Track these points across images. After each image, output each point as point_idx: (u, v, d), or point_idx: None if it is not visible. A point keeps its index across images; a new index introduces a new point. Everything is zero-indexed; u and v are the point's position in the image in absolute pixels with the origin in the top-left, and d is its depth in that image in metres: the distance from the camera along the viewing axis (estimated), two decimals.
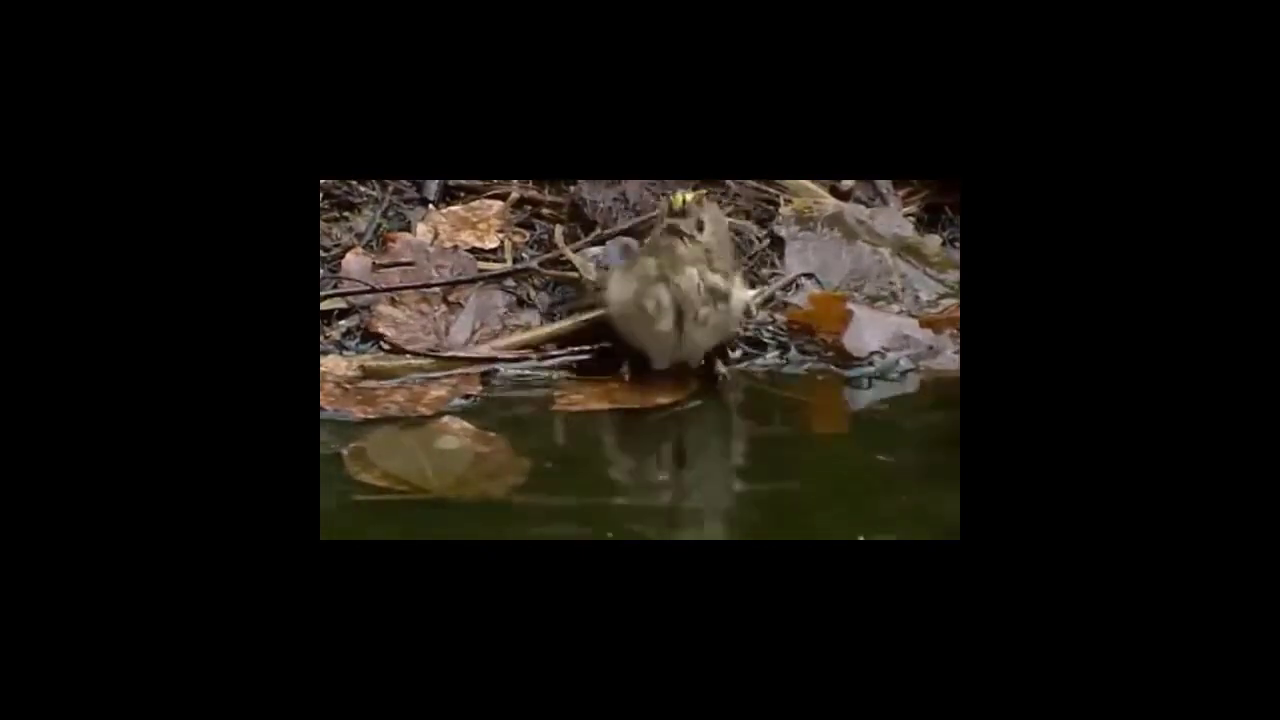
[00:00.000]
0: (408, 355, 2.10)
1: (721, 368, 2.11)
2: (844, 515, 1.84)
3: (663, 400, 2.05)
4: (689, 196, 2.06)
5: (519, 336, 2.16)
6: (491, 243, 2.28)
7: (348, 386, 2.05)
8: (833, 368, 2.15)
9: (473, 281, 2.22)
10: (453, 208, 2.34)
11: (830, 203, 2.35)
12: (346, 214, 2.30)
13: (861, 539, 1.73)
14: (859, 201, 2.37)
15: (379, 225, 2.30)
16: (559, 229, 2.29)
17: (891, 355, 2.15)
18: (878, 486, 1.93)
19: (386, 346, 2.12)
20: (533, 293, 2.23)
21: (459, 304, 2.20)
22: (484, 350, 2.14)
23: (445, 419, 2.00)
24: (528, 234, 2.32)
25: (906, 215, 2.36)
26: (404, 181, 2.35)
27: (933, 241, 2.33)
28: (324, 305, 2.15)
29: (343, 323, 2.17)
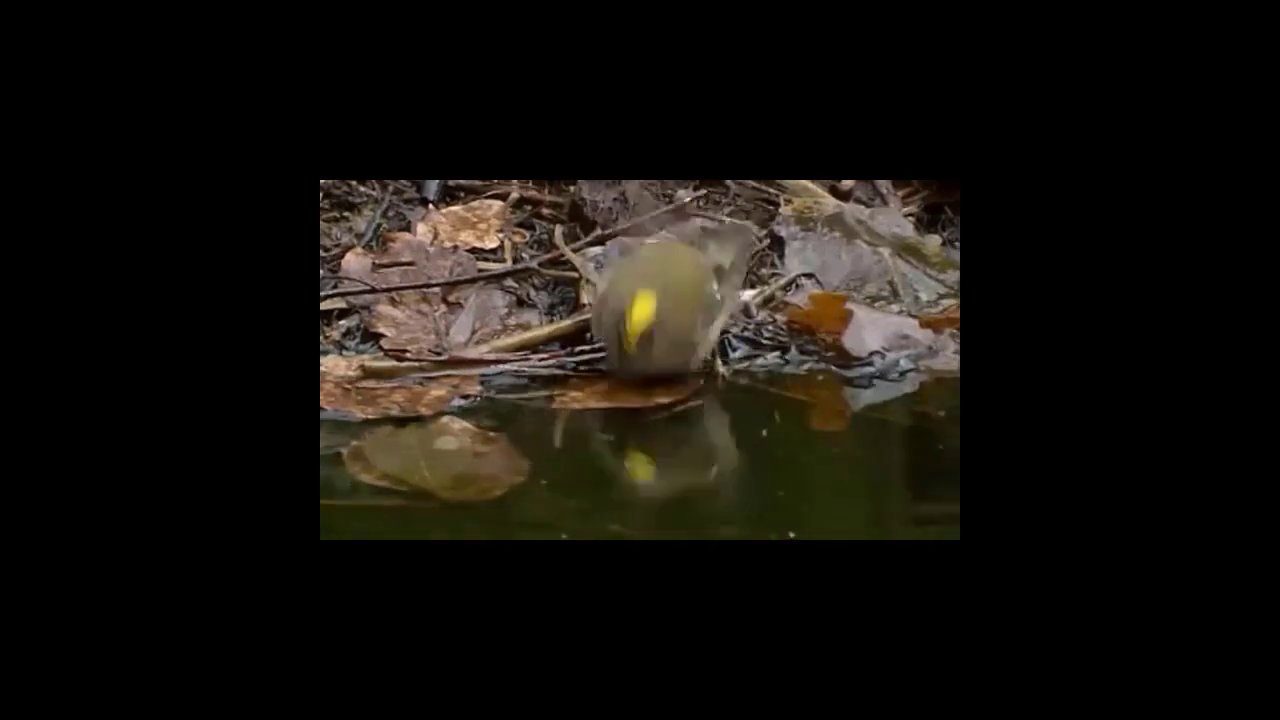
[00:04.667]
0: (406, 359, 2.10)
1: (721, 367, 2.12)
2: (843, 515, 1.84)
3: (662, 400, 2.05)
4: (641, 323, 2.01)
5: (519, 336, 2.16)
6: (491, 243, 2.28)
7: (348, 386, 2.05)
8: (833, 368, 2.15)
9: (473, 281, 2.22)
10: (453, 208, 2.34)
11: (830, 203, 2.35)
12: (346, 214, 2.30)
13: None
14: (859, 201, 2.38)
15: (379, 225, 2.30)
16: (559, 229, 2.29)
17: (891, 355, 2.15)
18: (877, 486, 1.93)
19: (385, 348, 2.13)
20: (533, 293, 2.23)
21: (459, 304, 2.20)
22: (484, 350, 2.14)
23: (445, 419, 2.00)
24: (528, 234, 2.32)
25: (906, 215, 2.36)
26: (404, 181, 2.35)
27: (933, 241, 2.33)
28: (324, 305, 2.15)
29: (343, 323, 2.17)
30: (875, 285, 2.27)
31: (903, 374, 2.14)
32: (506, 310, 2.21)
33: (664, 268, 2.08)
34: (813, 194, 2.36)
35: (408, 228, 2.30)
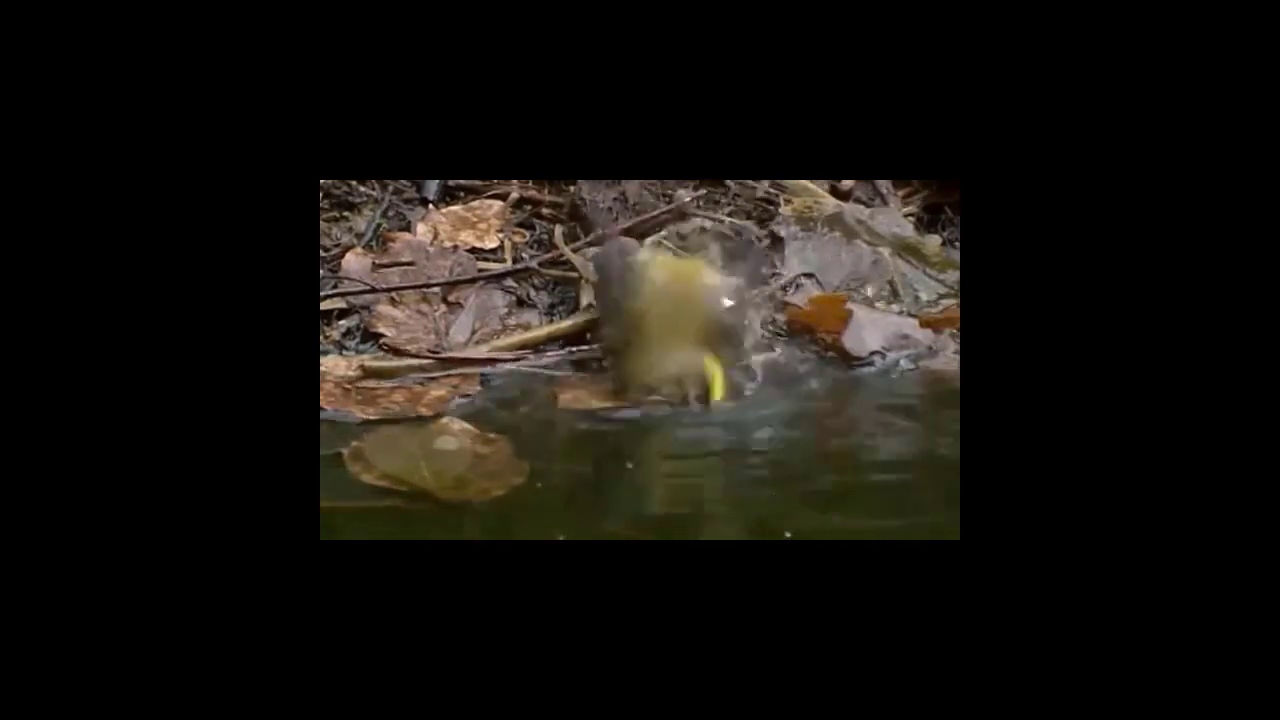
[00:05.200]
0: (406, 359, 2.10)
1: None
2: (844, 514, 1.84)
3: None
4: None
5: (519, 336, 2.16)
6: (491, 243, 2.28)
7: (348, 386, 2.05)
8: (833, 368, 2.15)
9: (473, 281, 2.22)
10: (453, 208, 2.34)
11: (830, 203, 2.35)
12: (346, 214, 2.30)
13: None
14: (859, 201, 2.37)
15: (379, 225, 2.30)
16: (559, 229, 2.29)
17: (891, 355, 2.15)
18: (877, 486, 1.93)
19: (385, 347, 2.13)
20: (533, 293, 2.23)
21: (459, 304, 2.20)
22: (484, 350, 2.14)
23: (445, 419, 2.00)
24: (528, 234, 2.32)
25: (906, 215, 2.36)
26: (404, 181, 2.35)
27: (933, 241, 2.33)
28: (324, 305, 2.15)
29: (343, 323, 2.17)
30: (875, 285, 2.27)
31: (903, 374, 2.14)
32: (506, 310, 2.20)
33: (678, 310, 2.04)
34: (813, 194, 2.36)
35: (408, 228, 2.30)
